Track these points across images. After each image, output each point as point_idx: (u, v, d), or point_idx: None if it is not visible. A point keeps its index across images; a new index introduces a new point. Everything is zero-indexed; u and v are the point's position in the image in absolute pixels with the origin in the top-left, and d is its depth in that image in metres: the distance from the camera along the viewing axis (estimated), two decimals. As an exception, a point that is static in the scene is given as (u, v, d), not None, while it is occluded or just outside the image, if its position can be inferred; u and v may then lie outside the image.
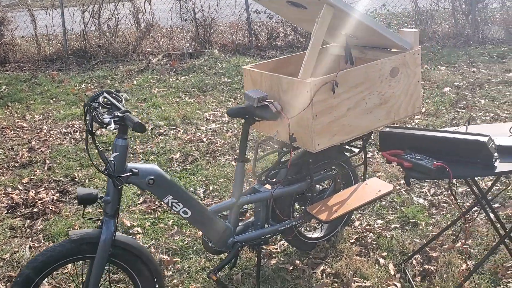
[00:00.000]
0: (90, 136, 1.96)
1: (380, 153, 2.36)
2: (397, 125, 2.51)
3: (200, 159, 4.07)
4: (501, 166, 2.00)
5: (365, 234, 2.96)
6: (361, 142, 2.74)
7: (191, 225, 2.39)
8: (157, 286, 2.20)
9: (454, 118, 4.51)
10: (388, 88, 2.49)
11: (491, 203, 3.10)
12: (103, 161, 1.97)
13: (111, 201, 2.02)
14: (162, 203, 2.64)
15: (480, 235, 2.85)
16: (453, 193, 2.54)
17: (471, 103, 4.84)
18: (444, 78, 5.59)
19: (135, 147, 4.42)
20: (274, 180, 2.59)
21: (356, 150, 2.77)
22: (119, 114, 1.88)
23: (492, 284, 2.47)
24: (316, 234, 2.89)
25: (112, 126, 1.83)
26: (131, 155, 4.28)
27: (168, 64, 7.33)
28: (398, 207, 3.23)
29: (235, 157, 2.74)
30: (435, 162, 2.00)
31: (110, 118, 1.85)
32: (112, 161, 1.99)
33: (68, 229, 3.18)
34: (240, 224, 2.59)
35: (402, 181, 3.49)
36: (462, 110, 4.70)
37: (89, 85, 6.71)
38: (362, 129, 2.46)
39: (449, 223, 2.96)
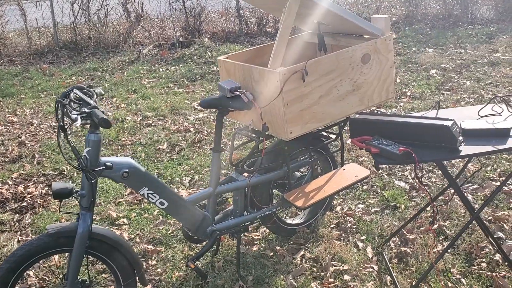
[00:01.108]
0: (62, 131, 2.01)
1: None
2: (367, 112, 2.55)
3: (186, 149, 4.12)
4: (466, 149, 2.04)
5: (345, 218, 3.02)
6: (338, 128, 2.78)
7: (169, 215, 2.44)
8: (136, 276, 2.26)
9: (439, 100, 4.54)
10: (360, 74, 2.52)
11: (468, 184, 3.16)
12: (75, 156, 2.02)
13: (86, 195, 2.07)
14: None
15: (457, 216, 2.90)
16: (419, 177, 2.59)
17: (456, 85, 4.86)
18: (431, 60, 5.60)
19: (123, 138, 4.46)
20: (251, 168, 2.64)
21: (333, 136, 2.80)
22: (87, 110, 1.92)
23: (467, 264, 2.52)
24: (296, 220, 2.94)
25: (79, 122, 1.87)
26: (120, 147, 4.33)
27: (159, 54, 7.34)
28: (379, 191, 3.28)
29: (211, 147, 2.78)
30: (401, 147, 2.04)
31: (77, 114, 1.89)
32: (85, 156, 2.03)
33: (56, 222, 3.25)
34: (220, 212, 2.65)
35: (384, 165, 3.53)
36: (447, 92, 4.72)
37: (80, 77, 6.74)
38: (335, 116, 2.50)
39: (429, 206, 3.01)
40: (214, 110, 4.91)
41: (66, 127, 2.02)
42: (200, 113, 4.90)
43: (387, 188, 3.30)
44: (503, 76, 4.90)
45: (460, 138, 2.06)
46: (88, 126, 2.06)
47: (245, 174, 2.62)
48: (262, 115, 2.38)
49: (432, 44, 6.25)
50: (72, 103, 2.04)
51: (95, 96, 2.15)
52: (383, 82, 2.63)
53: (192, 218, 2.42)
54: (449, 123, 2.05)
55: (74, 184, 3.45)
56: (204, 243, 2.67)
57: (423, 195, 3.16)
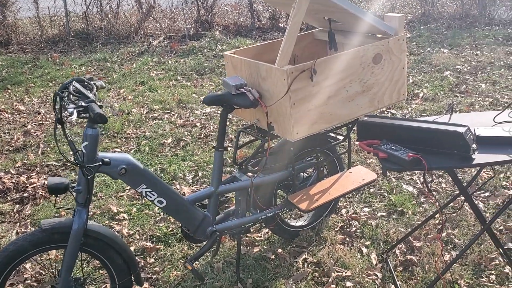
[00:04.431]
0: (60, 125, 1.95)
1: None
2: (376, 114, 2.45)
3: (191, 144, 4.05)
4: (479, 158, 1.94)
5: (350, 222, 2.93)
6: (346, 130, 2.69)
7: (167, 214, 2.37)
8: (132, 275, 2.20)
9: (452, 104, 4.41)
10: (370, 75, 2.43)
11: (479, 192, 3.05)
12: (72, 151, 1.95)
13: (82, 190, 2.00)
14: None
15: (467, 225, 2.80)
16: (428, 185, 2.48)
17: (471, 87, 4.74)
18: (445, 61, 5.47)
19: (128, 131, 4.40)
20: (255, 168, 2.56)
21: (341, 137, 2.71)
22: (84, 104, 1.86)
23: (475, 276, 2.43)
24: (300, 222, 2.86)
25: (74, 116, 1.80)
26: (124, 139, 4.27)
27: (169, 46, 7.28)
28: (386, 194, 3.19)
29: (213, 145, 2.70)
30: (410, 153, 1.94)
31: (73, 108, 1.83)
32: (82, 151, 1.97)
33: (56, 215, 3.20)
34: (221, 212, 2.58)
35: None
36: (461, 95, 4.60)
37: (89, 67, 6.69)
38: (344, 118, 2.41)
39: (437, 215, 2.92)
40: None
41: (64, 120, 1.96)
42: (207, 108, 4.83)
43: (394, 192, 3.20)
44: (519, 80, 4.77)
45: (474, 145, 1.96)
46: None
47: (249, 174, 2.54)
48: (268, 114, 2.30)
49: (447, 44, 6.11)
50: (70, 95, 1.98)
51: (94, 89, 2.08)
52: (395, 84, 2.54)
53: (191, 218, 2.35)
54: (462, 130, 1.95)
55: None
56: (203, 243, 2.60)
57: (432, 201, 3.06)
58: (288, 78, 2.15)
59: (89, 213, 3.12)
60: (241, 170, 2.55)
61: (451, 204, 2.97)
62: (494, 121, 2.22)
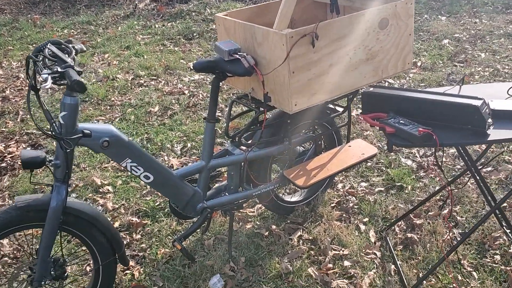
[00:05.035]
0: (34, 92, 1.75)
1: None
2: (381, 85, 2.28)
3: (179, 113, 3.85)
4: (494, 134, 1.79)
5: (347, 197, 2.79)
6: (346, 101, 2.52)
7: (155, 190, 2.20)
8: (116, 255, 2.04)
9: (452, 72, 4.26)
10: (376, 41, 2.24)
11: (480, 167, 2.92)
12: (48, 122, 1.76)
13: (61, 165, 1.82)
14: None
15: (469, 201, 2.68)
16: (439, 162, 2.34)
17: (470, 56, 4.57)
18: (444, 29, 5.28)
19: (113, 98, 4.18)
20: (248, 141, 2.39)
21: (340, 109, 2.54)
22: (59, 70, 1.65)
23: (478, 256, 2.32)
24: (295, 198, 2.72)
25: (49, 83, 1.60)
26: (108, 107, 4.05)
27: (155, 9, 6.96)
28: (384, 168, 3.05)
29: (203, 115, 2.52)
30: (421, 128, 1.79)
31: (47, 73, 1.62)
32: (59, 122, 1.78)
33: (35, 190, 3.01)
34: (212, 188, 2.42)
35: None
36: (460, 64, 4.44)
37: (72, 30, 6.38)
38: (346, 88, 2.23)
39: (436, 188, 2.79)
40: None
41: (38, 87, 1.77)
42: (196, 75, 4.61)
43: (392, 166, 3.06)
44: (520, 49, 4.61)
45: (490, 120, 1.81)
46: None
47: (242, 148, 2.37)
48: (264, 83, 2.11)
49: (445, 12, 5.91)
50: (46, 60, 1.77)
51: (73, 53, 1.86)
52: (401, 51, 2.35)
53: (180, 194, 2.19)
54: (478, 103, 1.79)
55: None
56: (194, 220, 2.45)
57: (432, 175, 2.93)
58: (288, 43, 1.96)
59: (71, 186, 2.96)
60: (234, 143, 2.38)
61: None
62: (508, 93, 2.06)
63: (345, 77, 2.20)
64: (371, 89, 2.08)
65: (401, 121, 1.87)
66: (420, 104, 1.92)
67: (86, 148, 3.32)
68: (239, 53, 2.10)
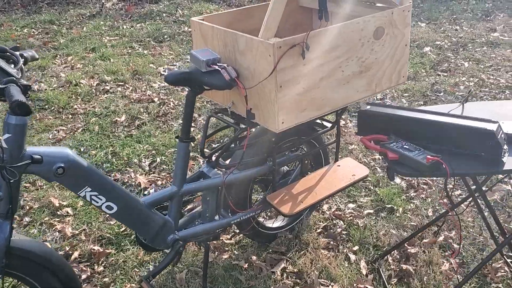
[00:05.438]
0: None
1: (360, 135, 1.90)
2: (378, 103, 2.04)
3: (148, 124, 3.54)
4: (510, 162, 1.57)
5: (334, 221, 2.55)
6: (335, 115, 2.27)
7: (118, 222, 1.90)
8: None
9: (435, 82, 4.08)
10: (370, 52, 2.00)
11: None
12: (-13, 146, 1.45)
13: (3, 197, 1.51)
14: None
15: (465, 226, 2.48)
16: (449, 194, 2.10)
17: (454, 65, 4.41)
18: (424, 36, 5.13)
19: (75, 106, 3.83)
20: (227, 161, 2.12)
21: (329, 125, 2.29)
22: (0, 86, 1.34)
23: (479, 289, 2.11)
24: (277, 223, 2.46)
25: (-17, 103, 1.29)
26: (70, 116, 3.70)
27: (124, 9, 6.60)
28: (372, 187, 2.82)
29: (177, 135, 2.24)
30: (429, 156, 1.55)
31: (-17, 90, 1.31)
32: (2, 146, 1.47)
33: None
34: (185, 215, 2.14)
35: (377, 156, 3.07)
36: (443, 74, 4.27)
37: (33, 30, 5.96)
38: (337, 103, 1.98)
39: (429, 210, 2.58)
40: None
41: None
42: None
43: (381, 184, 2.84)
44: (504, 59, 4.48)
45: (505, 147, 1.59)
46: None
47: (220, 169, 2.09)
48: (247, 98, 1.84)
49: (424, 18, 5.76)
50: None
51: (21, 63, 1.56)
52: (396, 63, 2.12)
53: (149, 225, 1.90)
54: (493, 127, 1.57)
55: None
56: (165, 252, 2.16)
57: (423, 196, 2.72)
58: (275, 54, 1.70)
59: (24, 209, 2.62)
60: (210, 163, 2.10)
61: (445, 201, 2.64)
62: (518, 113, 1.85)
63: (336, 91, 1.95)
64: (368, 107, 1.84)
65: (405, 146, 1.63)
66: (426, 126, 1.68)
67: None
68: (218, 64, 1.83)
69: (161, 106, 3.78)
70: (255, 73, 1.80)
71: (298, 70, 1.79)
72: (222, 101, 2.08)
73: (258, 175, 2.14)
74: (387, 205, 2.64)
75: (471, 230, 2.45)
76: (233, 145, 2.11)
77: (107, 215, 2.59)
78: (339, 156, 2.39)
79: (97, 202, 1.73)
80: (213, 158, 2.07)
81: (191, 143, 1.97)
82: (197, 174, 2.09)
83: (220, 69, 1.80)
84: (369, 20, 1.94)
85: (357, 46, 1.94)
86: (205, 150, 2.12)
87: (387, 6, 2.09)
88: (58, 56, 4.96)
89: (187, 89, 1.92)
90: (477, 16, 5.75)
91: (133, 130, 3.46)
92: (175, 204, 1.98)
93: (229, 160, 2.20)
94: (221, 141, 3.22)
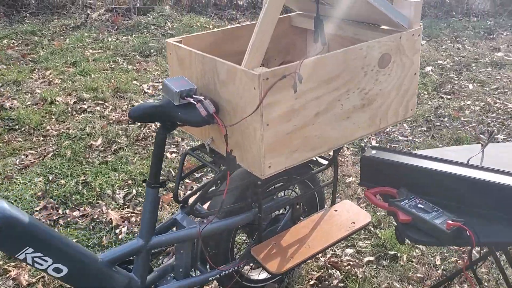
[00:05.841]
0: None
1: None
2: (384, 147, 1.74)
3: (126, 148, 3.22)
4: (549, 227, 1.27)
5: (330, 271, 2.24)
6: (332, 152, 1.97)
7: (69, 286, 1.57)
8: None
9: (439, 106, 3.80)
10: (374, 83, 1.71)
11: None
12: None
13: None
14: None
15: (474, 281, 2.17)
16: (476, 275, 1.77)
17: (457, 87, 4.13)
18: (426, 54, 4.86)
19: (48, 127, 3.51)
20: (204, 208, 1.82)
21: (325, 163, 2.00)
22: None
23: None
24: (264, 275, 2.13)
25: None
26: (42, 138, 3.38)
27: (110, 21, 6.30)
28: (372, 229, 2.51)
29: (145, 179, 1.93)
30: (449, 221, 1.25)
31: None
32: None
33: None
34: (154, 269, 1.82)
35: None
36: (447, 96, 3.99)
37: (13, 41, 5.64)
38: (335, 142, 1.69)
39: (437, 259, 2.28)
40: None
41: None
42: (150, 99, 4.00)
43: (382, 225, 2.53)
44: (510, 81, 4.21)
45: (544, 209, 1.29)
46: None
47: (196, 217, 1.79)
48: (227, 137, 1.54)
49: (425, 35, 5.50)
50: None
51: None
52: (403, 95, 1.84)
53: (108, 287, 1.58)
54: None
55: None
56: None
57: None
58: (261, 87, 1.40)
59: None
60: (185, 209, 1.79)
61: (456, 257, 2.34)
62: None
63: (334, 128, 1.65)
64: (373, 152, 1.54)
65: (419, 205, 1.33)
66: (443, 179, 1.38)
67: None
68: (194, 96, 1.53)
69: (142, 129, 3.46)
70: (237, 107, 1.51)
71: (289, 105, 1.49)
72: (200, 135, 1.78)
73: (241, 223, 1.83)
74: (389, 251, 2.33)
75: (486, 284, 2.14)
76: (212, 187, 1.80)
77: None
78: (337, 197, 2.09)
79: (42, 265, 1.41)
80: (190, 202, 1.77)
81: (161, 188, 1.66)
82: (169, 222, 1.78)
83: (195, 103, 1.50)
84: (373, 45, 1.65)
85: (359, 76, 1.65)
86: (180, 191, 1.82)
87: (394, 29, 1.81)
88: (36, 70, 4.65)
89: (157, 125, 1.61)
90: (480, 34, 5.50)
91: (109, 156, 3.14)
92: (142, 260, 1.67)
93: (208, 203, 1.90)
94: (200, 180, 2.89)
